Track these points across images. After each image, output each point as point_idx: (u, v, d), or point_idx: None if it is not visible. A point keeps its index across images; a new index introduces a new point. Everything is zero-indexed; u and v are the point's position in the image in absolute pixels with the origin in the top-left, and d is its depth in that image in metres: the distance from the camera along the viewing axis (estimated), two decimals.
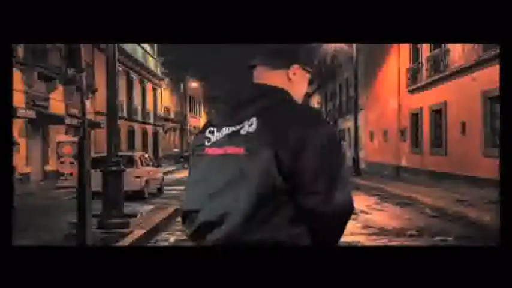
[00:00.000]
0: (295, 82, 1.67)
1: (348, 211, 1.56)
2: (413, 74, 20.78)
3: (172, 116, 46.68)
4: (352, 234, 8.13)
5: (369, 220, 9.63)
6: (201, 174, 1.62)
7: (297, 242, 1.49)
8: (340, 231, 1.60)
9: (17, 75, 16.98)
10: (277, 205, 1.48)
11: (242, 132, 1.53)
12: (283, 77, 1.65)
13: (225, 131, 1.57)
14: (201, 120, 58.15)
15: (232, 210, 1.49)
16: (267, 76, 1.65)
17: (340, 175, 1.52)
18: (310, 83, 1.74)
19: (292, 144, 1.47)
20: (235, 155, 1.52)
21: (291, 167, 1.47)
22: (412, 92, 21.04)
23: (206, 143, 1.61)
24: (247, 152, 1.50)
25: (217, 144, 1.58)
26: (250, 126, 1.53)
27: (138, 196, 13.48)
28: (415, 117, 21.01)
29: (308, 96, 52.63)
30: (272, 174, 1.47)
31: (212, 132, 1.61)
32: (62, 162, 17.13)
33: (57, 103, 20.89)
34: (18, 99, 16.87)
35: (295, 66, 1.66)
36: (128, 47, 30.08)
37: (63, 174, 17.09)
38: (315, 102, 48.26)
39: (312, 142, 1.48)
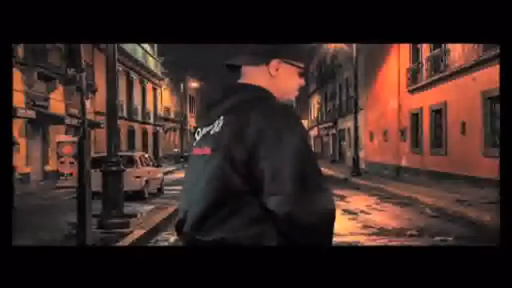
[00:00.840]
0: (278, 78, 1.61)
1: (324, 215, 1.43)
2: (413, 74, 20.78)
3: (172, 116, 46.67)
4: (352, 234, 8.13)
5: (369, 220, 9.63)
6: (185, 174, 1.70)
7: (258, 242, 1.44)
8: (321, 236, 1.45)
9: (17, 75, 16.97)
10: (239, 205, 1.45)
11: (211, 132, 1.55)
12: (265, 74, 1.61)
13: (203, 131, 1.61)
14: None
15: (190, 209, 1.54)
16: (250, 75, 1.63)
17: (308, 176, 1.42)
18: (302, 76, 1.68)
19: (248, 144, 1.44)
20: (204, 155, 1.55)
21: (248, 168, 1.44)
22: (412, 92, 21.04)
23: (194, 144, 1.66)
24: (211, 152, 1.52)
25: (197, 144, 1.62)
26: (218, 125, 1.54)
27: (138, 196, 13.49)
28: (415, 117, 21.01)
29: (308, 96, 52.64)
30: (227, 175, 1.45)
31: (198, 133, 1.65)
32: (62, 162, 17.11)
33: (57, 103, 20.89)
34: (18, 99, 16.86)
35: (275, 61, 1.60)
36: (128, 47, 30.08)
37: (63, 174, 17.07)
38: (315, 102, 48.25)
39: (270, 142, 1.43)
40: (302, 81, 1.68)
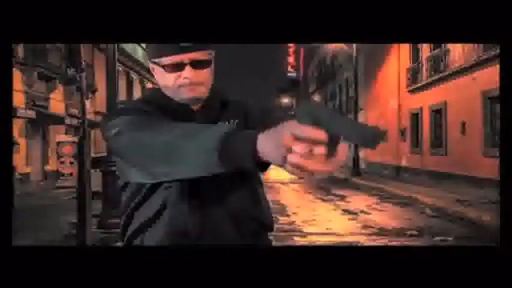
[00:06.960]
0: (158, 80, 1.58)
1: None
2: (413, 74, 20.79)
3: None
4: (352, 234, 8.13)
5: (369, 220, 9.63)
6: None
7: None
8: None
9: (17, 75, 16.98)
10: None
11: None
12: None
13: None
14: None
15: None
16: None
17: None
18: (176, 70, 1.50)
19: None
20: None
21: None
22: (412, 92, 21.04)
23: None
24: None
25: None
26: None
27: None
28: (415, 117, 21.02)
29: (308, 96, 52.60)
30: None
31: None
32: (62, 162, 17.14)
33: (57, 103, 20.89)
34: (18, 99, 16.86)
35: (150, 64, 1.58)
36: (128, 47, 30.08)
37: (63, 174, 17.10)
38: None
39: None
40: (180, 75, 1.50)
